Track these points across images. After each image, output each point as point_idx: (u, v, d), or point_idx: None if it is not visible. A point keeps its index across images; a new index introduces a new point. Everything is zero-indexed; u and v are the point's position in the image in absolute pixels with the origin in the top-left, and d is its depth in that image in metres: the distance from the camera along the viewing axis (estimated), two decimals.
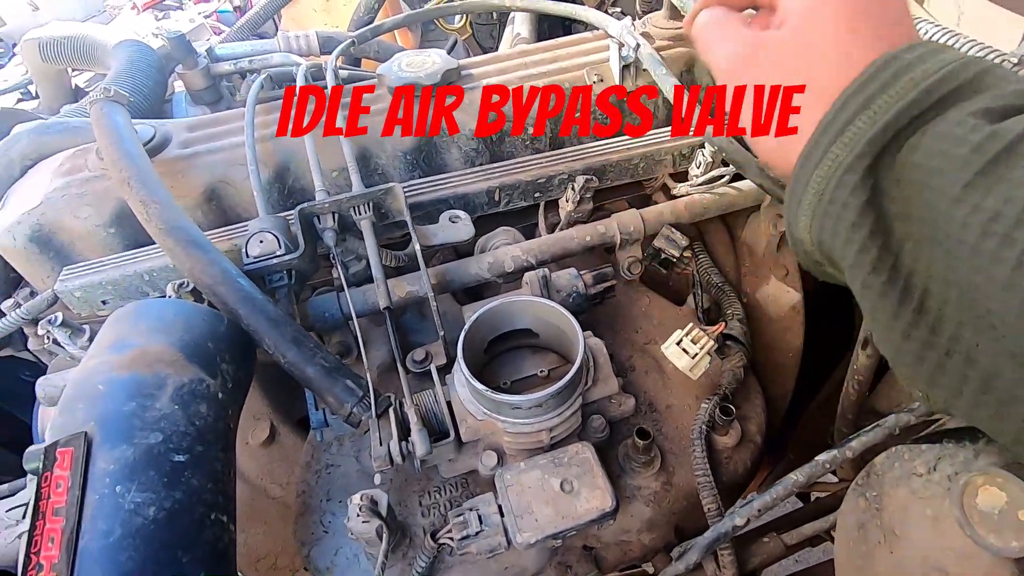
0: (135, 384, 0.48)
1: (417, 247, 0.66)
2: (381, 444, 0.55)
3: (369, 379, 0.58)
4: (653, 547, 0.63)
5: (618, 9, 1.37)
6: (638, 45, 0.84)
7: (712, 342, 0.65)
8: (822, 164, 0.34)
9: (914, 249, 0.31)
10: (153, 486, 0.44)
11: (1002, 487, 0.37)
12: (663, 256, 0.79)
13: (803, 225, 0.36)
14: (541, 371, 0.64)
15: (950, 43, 0.56)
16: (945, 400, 0.31)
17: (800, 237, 0.37)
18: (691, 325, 0.67)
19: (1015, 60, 0.51)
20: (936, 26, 0.58)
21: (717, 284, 0.81)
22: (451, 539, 0.53)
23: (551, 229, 0.84)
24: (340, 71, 1.07)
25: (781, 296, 0.84)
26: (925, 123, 0.31)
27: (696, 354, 0.64)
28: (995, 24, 0.65)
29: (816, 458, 0.54)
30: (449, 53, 0.95)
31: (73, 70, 1.39)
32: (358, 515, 0.51)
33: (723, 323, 0.72)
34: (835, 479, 0.96)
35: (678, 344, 0.65)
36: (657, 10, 1.00)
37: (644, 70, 0.86)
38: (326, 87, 0.85)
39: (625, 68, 0.87)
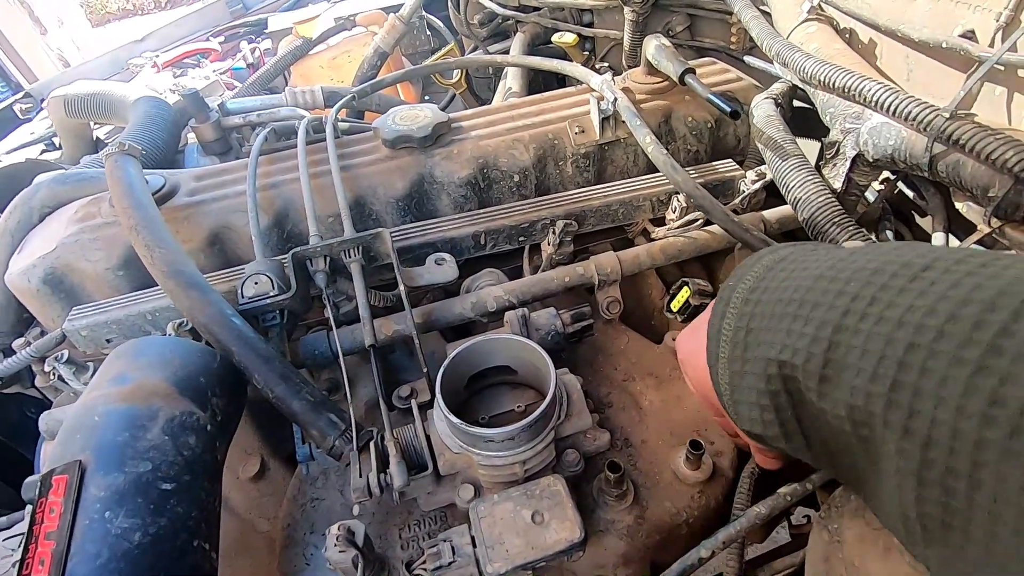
0: (129, 416, 0.51)
1: (402, 288, 0.70)
2: (361, 476, 0.58)
3: (352, 413, 0.61)
4: None
5: (605, 64, 1.46)
6: (616, 99, 0.90)
7: None
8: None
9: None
10: (140, 512, 0.46)
11: None
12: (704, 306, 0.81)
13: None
14: (518, 406, 0.67)
15: (892, 101, 0.60)
16: None
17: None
18: None
19: (946, 115, 0.55)
20: (879, 84, 0.62)
21: None
22: (425, 570, 0.54)
23: (535, 271, 0.88)
24: (342, 123, 1.14)
25: None
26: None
27: None
28: (939, 81, 0.70)
29: (778, 491, 0.55)
30: (447, 105, 1.02)
31: (95, 123, 1.48)
32: (335, 545, 0.53)
33: None
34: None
35: None
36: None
37: (623, 122, 0.91)
38: (326, 139, 0.92)
39: (605, 120, 0.93)
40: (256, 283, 0.69)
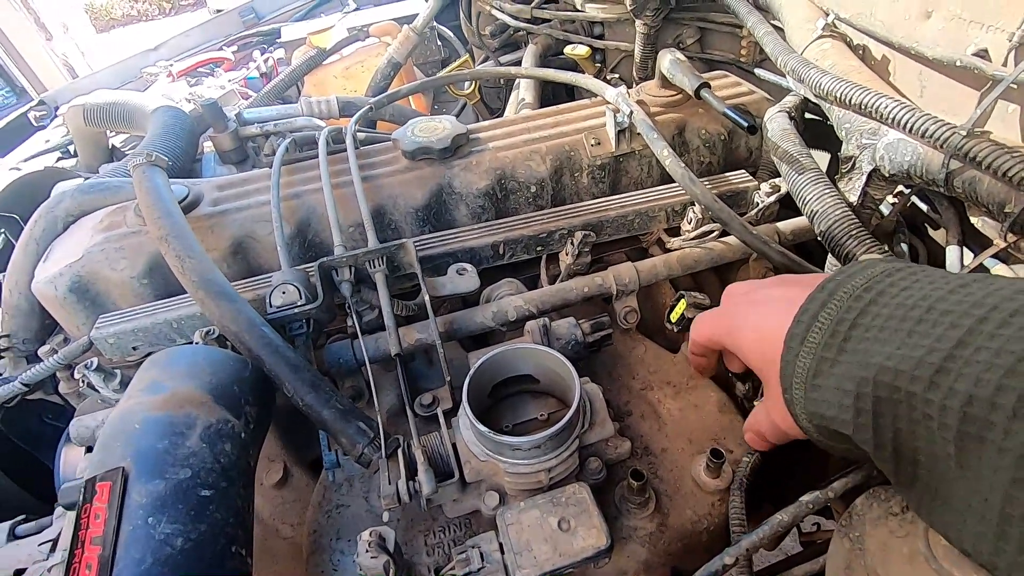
0: (168, 424, 0.52)
1: (426, 298, 0.71)
2: (390, 483, 0.59)
3: (380, 421, 0.63)
4: None
5: (616, 76, 1.48)
6: (632, 111, 0.92)
7: None
8: (800, 360, 0.41)
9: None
10: (181, 518, 0.47)
11: None
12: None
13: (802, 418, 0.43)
14: (541, 415, 0.68)
15: (909, 119, 0.62)
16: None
17: (803, 426, 0.44)
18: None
19: (963, 133, 0.57)
20: (896, 102, 0.64)
21: None
22: (454, 575, 0.55)
23: (552, 280, 0.90)
24: (358, 134, 1.16)
25: None
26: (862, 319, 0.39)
27: None
28: (952, 98, 0.71)
29: (800, 499, 0.57)
30: (459, 115, 1.04)
31: (111, 132, 1.50)
32: (367, 551, 0.54)
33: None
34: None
35: None
36: (652, 79, 1.09)
37: (638, 134, 0.93)
38: (346, 150, 0.93)
39: (620, 132, 0.94)
40: (284, 293, 0.71)
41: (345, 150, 0.94)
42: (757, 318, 0.50)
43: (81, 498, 0.48)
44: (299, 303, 0.70)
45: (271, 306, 0.70)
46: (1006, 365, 0.29)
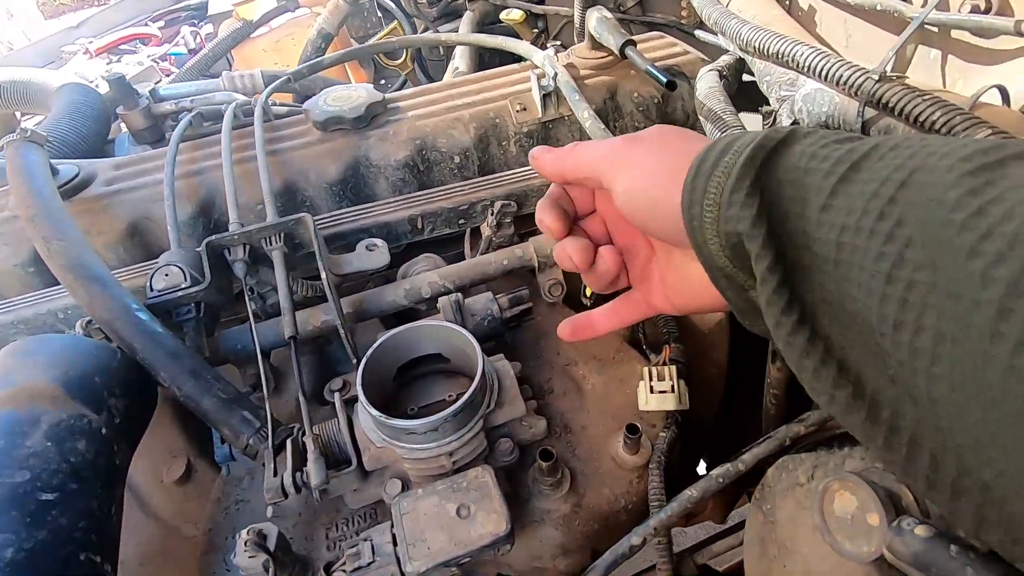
0: (7, 422, 0.47)
1: (324, 276, 0.66)
2: (276, 475, 0.54)
3: (269, 409, 0.58)
4: (570, 572, 0.62)
5: (558, 43, 1.42)
6: (556, 74, 0.87)
7: (675, 367, 0.65)
8: (708, 192, 0.36)
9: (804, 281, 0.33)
10: (14, 526, 0.42)
11: (853, 491, 0.37)
12: None
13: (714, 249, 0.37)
14: (449, 395, 0.64)
15: (824, 65, 0.58)
16: (834, 411, 0.32)
17: (719, 264, 0.38)
18: (644, 368, 0.66)
19: (876, 77, 0.53)
20: (812, 48, 0.60)
21: None
22: (344, 571, 0.51)
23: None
24: (281, 108, 1.09)
25: (706, 314, 0.85)
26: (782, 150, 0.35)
27: (673, 385, 0.64)
28: (877, 47, 0.68)
29: (710, 472, 0.54)
30: (400, 89, 0.98)
31: (22, 114, 1.40)
32: (244, 549, 0.49)
33: (668, 346, 0.71)
34: None
35: (651, 392, 0.64)
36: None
37: (565, 98, 0.88)
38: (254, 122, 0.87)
39: (546, 97, 0.89)
40: (167, 275, 0.65)
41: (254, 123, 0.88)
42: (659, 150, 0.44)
43: None
44: (183, 285, 0.64)
45: (152, 290, 0.64)
46: (870, 192, 0.28)
